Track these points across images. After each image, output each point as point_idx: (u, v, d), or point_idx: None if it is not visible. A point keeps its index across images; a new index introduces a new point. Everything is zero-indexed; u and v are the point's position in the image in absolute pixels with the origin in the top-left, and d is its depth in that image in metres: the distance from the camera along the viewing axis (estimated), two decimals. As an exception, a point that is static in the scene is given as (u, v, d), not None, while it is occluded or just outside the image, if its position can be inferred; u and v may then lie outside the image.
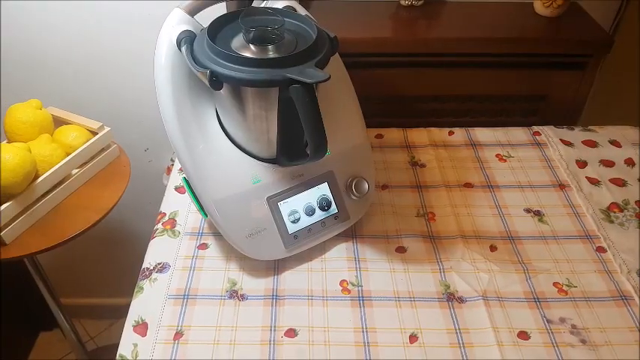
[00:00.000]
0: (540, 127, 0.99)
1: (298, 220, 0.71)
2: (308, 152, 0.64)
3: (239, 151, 0.70)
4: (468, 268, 0.72)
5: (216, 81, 0.59)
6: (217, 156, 0.68)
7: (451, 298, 0.69)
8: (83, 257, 1.32)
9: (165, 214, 0.80)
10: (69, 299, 1.43)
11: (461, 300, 0.69)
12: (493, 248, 0.76)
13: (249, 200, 0.69)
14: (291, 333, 0.65)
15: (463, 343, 0.64)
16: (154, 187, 1.03)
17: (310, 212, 0.72)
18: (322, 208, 0.73)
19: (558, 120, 1.03)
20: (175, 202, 0.82)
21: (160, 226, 0.78)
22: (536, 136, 0.98)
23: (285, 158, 0.70)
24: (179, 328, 0.65)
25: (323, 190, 0.73)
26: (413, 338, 0.64)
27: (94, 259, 1.32)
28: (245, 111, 0.65)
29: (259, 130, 0.67)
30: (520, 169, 0.90)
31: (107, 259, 1.32)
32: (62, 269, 1.35)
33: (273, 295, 0.69)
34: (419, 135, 0.98)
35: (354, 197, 0.74)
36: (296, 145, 0.69)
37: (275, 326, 0.65)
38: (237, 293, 0.69)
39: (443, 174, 0.89)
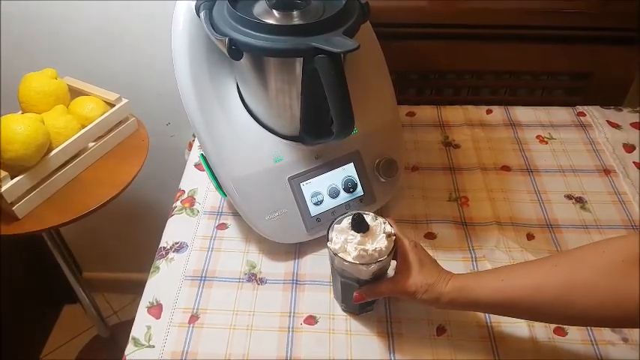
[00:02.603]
0: (585, 107, 0.93)
1: (321, 202, 0.67)
2: (333, 130, 0.60)
3: (260, 127, 0.66)
4: (503, 258, 0.68)
5: (235, 50, 0.55)
6: (237, 131, 0.65)
7: None
8: (108, 231, 1.32)
9: (184, 191, 0.77)
10: (94, 273, 1.45)
11: None
12: (530, 237, 0.71)
13: (269, 180, 0.65)
14: (311, 320, 0.61)
15: (494, 338, 0.60)
16: (176, 162, 1.00)
17: (334, 194, 0.68)
18: (347, 190, 0.68)
19: (604, 100, 0.95)
20: (195, 180, 0.79)
21: (178, 203, 0.76)
22: (581, 117, 0.91)
23: (309, 136, 0.65)
24: (195, 311, 0.62)
25: (348, 171, 0.69)
26: (441, 330, 0.60)
27: (119, 234, 1.32)
28: (267, 84, 0.61)
29: (282, 105, 0.63)
30: (562, 152, 0.84)
31: (132, 234, 1.32)
32: (87, 243, 1.36)
33: (293, 280, 0.66)
34: (454, 113, 0.92)
35: (382, 179, 0.70)
36: (321, 122, 0.65)
37: (294, 312, 0.62)
38: (255, 277, 0.66)
39: (478, 156, 0.83)
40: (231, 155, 0.64)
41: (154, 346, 0.59)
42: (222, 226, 0.72)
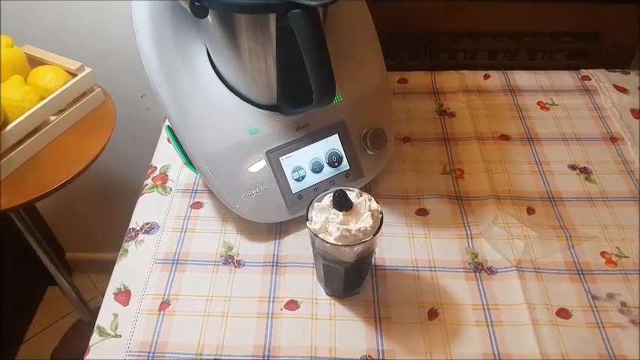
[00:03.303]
0: (590, 71, 0.87)
1: (303, 177, 0.62)
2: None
3: (233, 95, 0.60)
4: (501, 234, 0.63)
5: (199, 7, 0.48)
6: (207, 101, 0.59)
7: (479, 268, 0.60)
8: (89, 211, 1.26)
9: (155, 167, 0.72)
10: (77, 253, 1.40)
11: (490, 271, 0.59)
12: (531, 211, 0.66)
13: (245, 154, 0.59)
14: (293, 305, 0.56)
15: (492, 322, 0.55)
16: (154, 135, 0.94)
17: (317, 169, 0.62)
18: (332, 164, 0.63)
19: (611, 63, 0.89)
20: (168, 155, 0.73)
21: (149, 181, 0.70)
22: (585, 82, 0.85)
23: (288, 104, 0.59)
24: (166, 297, 0.57)
25: (333, 143, 0.63)
26: (432, 314, 0.56)
27: (99, 213, 1.27)
28: (238, 45, 0.54)
29: (256, 69, 0.56)
30: (565, 119, 0.78)
31: (112, 213, 1.25)
32: (68, 223, 1.30)
33: (273, 262, 0.60)
34: (449, 79, 0.85)
35: (370, 152, 0.64)
36: (300, 88, 0.58)
37: (274, 297, 0.57)
38: (233, 259, 0.61)
39: (475, 124, 0.78)
40: (202, 127, 0.58)
41: (120, 336, 0.54)
42: (196, 205, 0.67)
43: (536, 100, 0.81)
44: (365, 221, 0.49)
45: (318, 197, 0.52)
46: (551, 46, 0.94)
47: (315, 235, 0.50)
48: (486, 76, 0.86)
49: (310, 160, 0.62)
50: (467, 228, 0.64)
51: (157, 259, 0.61)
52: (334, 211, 0.50)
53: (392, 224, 0.64)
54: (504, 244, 0.62)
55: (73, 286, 1.02)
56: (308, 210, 0.52)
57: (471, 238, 0.63)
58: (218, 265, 0.60)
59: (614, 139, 0.75)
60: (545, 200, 0.67)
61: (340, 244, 0.49)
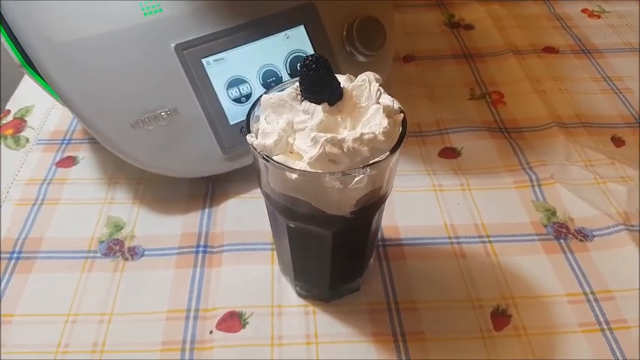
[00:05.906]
0: (639, -25, 0.65)
1: (248, 97, 0.36)
2: None
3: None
4: (584, 177, 0.39)
5: None
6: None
7: (563, 232, 0.35)
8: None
9: (9, 111, 0.44)
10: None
11: (583, 235, 0.35)
12: (618, 141, 0.43)
13: (136, 49, 0.33)
14: (234, 322, 0.30)
15: (607, 322, 0.30)
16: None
17: (272, 83, 0.36)
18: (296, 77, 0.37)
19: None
20: (34, 93, 0.45)
21: (-6, 131, 0.42)
22: (635, -13, 0.63)
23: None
24: (-14, 323, 0.29)
25: (297, 40, 0.38)
26: (500, 319, 0.30)
27: None
28: None
29: None
30: (625, 27, 0.58)
31: None
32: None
33: (198, 247, 0.33)
34: (456, -14, 0.62)
35: (360, 56, 0.40)
36: None
37: (199, 309, 0.30)
38: (122, 245, 0.33)
39: (505, 36, 0.55)
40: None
41: None
42: (67, 162, 0.39)
43: (580, 8, 0.61)
44: (372, 122, 0.23)
45: (272, 89, 0.26)
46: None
47: (267, 160, 0.23)
48: (505, -16, 0.63)
49: (259, 67, 0.36)
50: (528, 171, 0.39)
51: (-19, 254, 0.33)
52: (306, 105, 0.23)
53: (404, 174, 0.38)
54: (595, 192, 0.37)
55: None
56: (250, 113, 0.25)
57: (539, 185, 0.38)
58: (94, 257, 0.33)
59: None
60: (633, 126, 0.45)
61: (321, 171, 0.22)
